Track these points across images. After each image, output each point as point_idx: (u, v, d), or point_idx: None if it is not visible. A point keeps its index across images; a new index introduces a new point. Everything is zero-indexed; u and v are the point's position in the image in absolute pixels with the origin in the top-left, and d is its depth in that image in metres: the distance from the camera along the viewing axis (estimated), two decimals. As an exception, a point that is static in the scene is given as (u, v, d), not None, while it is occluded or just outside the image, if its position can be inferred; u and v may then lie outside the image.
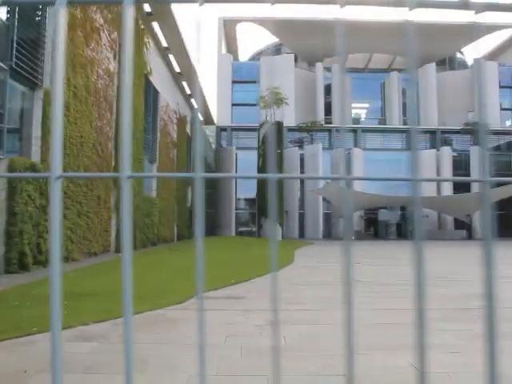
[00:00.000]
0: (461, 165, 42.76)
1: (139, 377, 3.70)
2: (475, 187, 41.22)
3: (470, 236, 40.81)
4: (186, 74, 27.61)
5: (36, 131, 11.26)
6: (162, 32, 21.72)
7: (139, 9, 18.83)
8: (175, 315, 5.98)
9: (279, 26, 45.85)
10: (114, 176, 0.84)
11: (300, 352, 4.26)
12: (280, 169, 35.91)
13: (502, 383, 0.76)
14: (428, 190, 39.21)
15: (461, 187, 41.28)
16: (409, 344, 4.42)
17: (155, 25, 20.73)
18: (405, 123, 45.96)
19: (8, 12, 10.65)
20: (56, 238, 0.78)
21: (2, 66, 10.52)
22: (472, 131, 43.82)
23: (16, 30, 10.82)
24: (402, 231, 42.88)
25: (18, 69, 10.85)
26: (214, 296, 7.49)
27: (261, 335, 4.87)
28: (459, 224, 42.23)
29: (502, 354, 0.78)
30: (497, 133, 44.29)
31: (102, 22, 15.14)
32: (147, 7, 19.10)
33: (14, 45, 10.76)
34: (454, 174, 42.34)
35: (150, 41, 20.88)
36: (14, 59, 10.74)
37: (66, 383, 0.77)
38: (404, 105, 47.58)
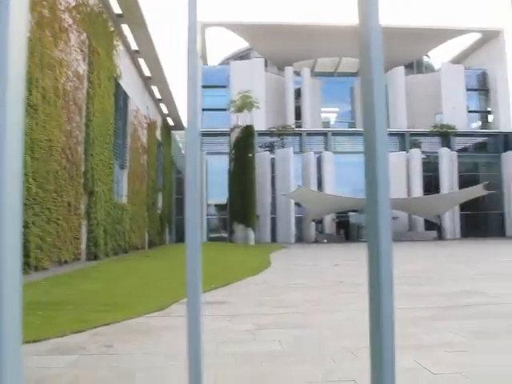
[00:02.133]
0: (430, 166, 43.45)
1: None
2: (445, 189, 41.94)
3: (440, 236, 41.42)
4: (155, 79, 27.20)
5: None
6: (133, 35, 21.27)
7: (109, 10, 18.39)
8: (157, 323, 5.69)
9: (249, 31, 45.83)
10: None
11: (300, 356, 4.06)
12: (251, 173, 35.75)
13: None
14: (398, 191, 39.64)
15: (431, 189, 41.97)
16: (412, 344, 4.25)
17: (125, 27, 20.29)
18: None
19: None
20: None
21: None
22: (440, 133, 44.71)
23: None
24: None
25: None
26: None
27: (254, 341, 4.62)
28: (430, 225, 42.84)
29: None
30: (464, 135, 45.31)
31: (71, 22, 14.66)
32: (117, 8, 18.66)
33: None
34: (424, 176, 43.08)
35: (119, 43, 20.43)
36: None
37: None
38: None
